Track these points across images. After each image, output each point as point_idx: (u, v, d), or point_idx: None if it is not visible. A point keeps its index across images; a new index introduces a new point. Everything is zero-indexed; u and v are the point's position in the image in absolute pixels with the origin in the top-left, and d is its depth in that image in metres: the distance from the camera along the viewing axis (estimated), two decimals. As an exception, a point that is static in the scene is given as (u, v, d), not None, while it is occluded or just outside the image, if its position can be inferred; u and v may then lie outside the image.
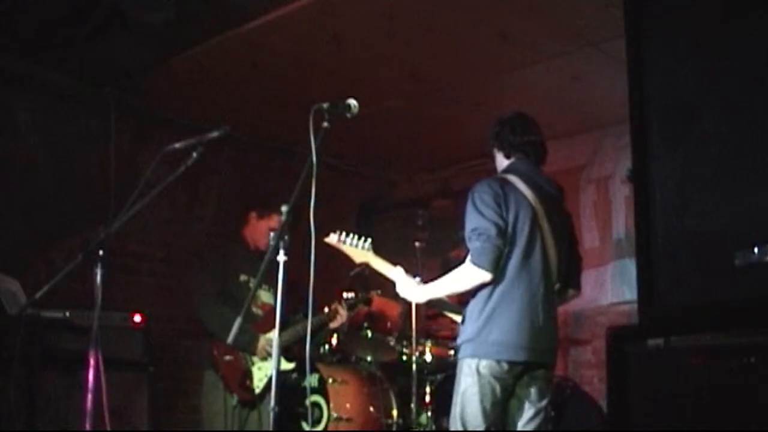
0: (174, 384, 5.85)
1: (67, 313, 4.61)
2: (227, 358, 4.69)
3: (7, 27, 4.81)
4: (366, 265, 3.80)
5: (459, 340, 3.44)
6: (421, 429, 4.97)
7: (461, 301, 3.54)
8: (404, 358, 5.21)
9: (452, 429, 3.37)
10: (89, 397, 3.16)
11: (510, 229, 3.37)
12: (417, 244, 5.18)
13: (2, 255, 5.05)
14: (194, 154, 3.29)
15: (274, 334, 4.64)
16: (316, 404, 4.85)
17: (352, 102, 3.11)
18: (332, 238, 3.79)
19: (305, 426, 4.74)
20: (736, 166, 2.45)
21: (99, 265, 3.20)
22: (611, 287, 6.12)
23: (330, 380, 4.89)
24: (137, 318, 5.02)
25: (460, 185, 6.81)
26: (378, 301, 5.31)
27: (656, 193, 2.62)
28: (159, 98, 5.80)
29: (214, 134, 3.28)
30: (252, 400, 4.70)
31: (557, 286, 3.52)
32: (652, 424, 2.55)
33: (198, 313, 4.80)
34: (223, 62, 5.27)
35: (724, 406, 2.39)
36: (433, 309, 4.42)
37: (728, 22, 2.54)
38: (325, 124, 3.04)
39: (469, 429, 3.30)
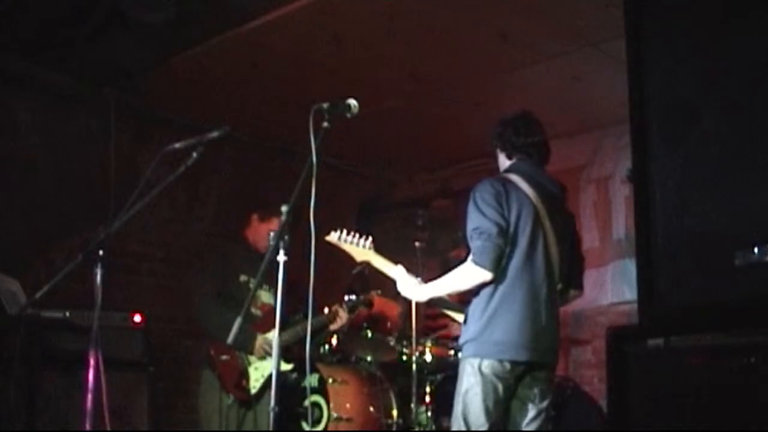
0: (174, 384, 5.85)
1: (67, 313, 4.61)
2: (224, 357, 4.69)
3: (7, 27, 4.81)
4: (367, 264, 3.79)
5: (461, 340, 3.44)
6: (421, 429, 4.97)
7: (462, 300, 3.54)
8: (404, 358, 5.20)
9: (455, 428, 3.37)
10: (89, 397, 3.16)
11: (512, 228, 3.36)
12: (417, 244, 5.18)
13: (2, 255, 5.05)
14: (194, 154, 3.29)
15: (273, 334, 4.70)
16: (316, 404, 4.85)
17: (352, 102, 3.11)
18: (333, 237, 3.78)
19: (305, 426, 4.73)
20: (736, 166, 2.45)
21: (99, 265, 3.20)
22: (611, 287, 6.12)
23: (330, 380, 4.89)
24: (137, 318, 5.02)
25: (460, 185, 6.81)
26: (378, 302, 5.30)
27: (656, 193, 2.62)
28: (159, 98, 5.80)
29: (214, 134, 3.28)
30: (248, 400, 4.70)
31: (559, 286, 3.52)
32: (652, 424, 2.55)
33: (197, 313, 4.80)
34: (223, 62, 5.27)
35: (724, 406, 2.40)
36: (434, 308, 4.42)
37: (728, 22, 2.54)
38: (325, 124, 3.04)
39: (472, 428, 3.30)
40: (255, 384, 4.70)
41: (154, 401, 4.99)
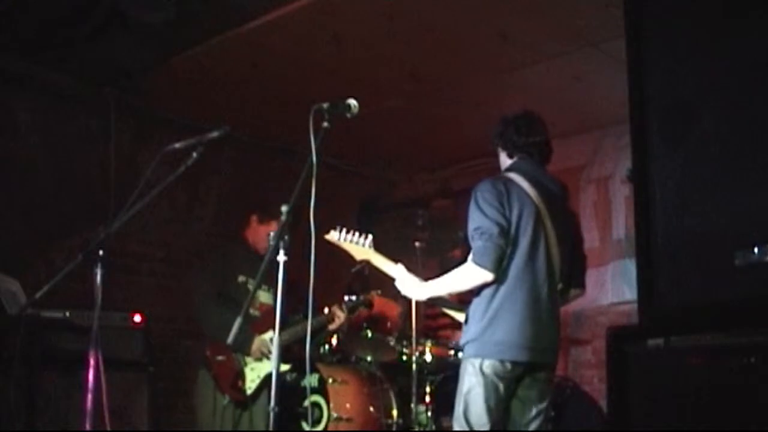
0: (174, 384, 5.85)
1: (67, 313, 4.61)
2: (219, 358, 4.70)
3: (7, 27, 4.81)
4: (367, 263, 3.77)
5: (462, 340, 3.44)
6: (421, 429, 4.97)
7: (462, 299, 3.53)
8: (404, 358, 5.21)
9: (456, 429, 3.36)
10: (89, 397, 3.16)
11: (513, 229, 3.36)
12: (417, 244, 5.18)
13: (2, 255, 5.05)
14: (194, 154, 3.29)
15: (271, 334, 4.71)
16: (316, 404, 4.85)
17: (352, 102, 3.11)
18: (333, 236, 3.76)
19: (305, 426, 4.73)
20: (736, 166, 2.45)
21: (99, 265, 3.20)
22: (611, 287, 6.12)
23: (330, 380, 4.89)
24: (137, 318, 5.02)
25: (460, 185, 6.81)
26: (378, 302, 5.30)
27: (656, 193, 2.62)
28: (159, 98, 5.80)
29: (214, 134, 3.28)
30: (243, 401, 4.70)
31: (560, 285, 3.51)
32: (652, 424, 2.55)
33: (196, 313, 4.80)
34: (223, 62, 5.27)
35: (724, 406, 2.39)
36: (434, 308, 4.42)
37: (728, 22, 2.54)
38: (325, 124, 3.04)
39: (474, 429, 3.29)
40: (251, 385, 4.70)
41: (154, 401, 4.99)
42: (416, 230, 5.23)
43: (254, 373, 4.71)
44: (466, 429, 3.31)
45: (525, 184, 3.46)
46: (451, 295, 3.59)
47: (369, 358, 5.35)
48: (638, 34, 2.76)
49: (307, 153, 2.95)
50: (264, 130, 6.37)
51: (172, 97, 5.78)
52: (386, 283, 3.91)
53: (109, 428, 3.56)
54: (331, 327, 4.94)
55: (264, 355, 4.71)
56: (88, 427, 3.14)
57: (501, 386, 3.32)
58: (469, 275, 3.34)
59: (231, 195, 6.54)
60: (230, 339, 3.02)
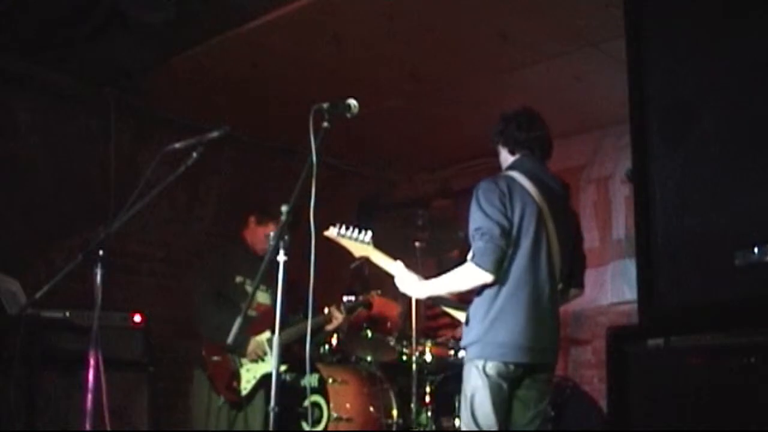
0: (174, 384, 5.85)
1: (67, 313, 4.61)
2: (215, 358, 4.70)
3: (7, 27, 4.81)
4: (365, 260, 3.73)
5: (465, 342, 3.41)
6: (421, 429, 4.97)
7: (462, 298, 3.52)
8: (404, 358, 5.20)
9: (465, 430, 3.34)
10: (89, 397, 3.16)
11: (515, 229, 3.33)
12: (417, 244, 5.17)
13: (2, 255, 5.05)
14: (194, 154, 3.29)
15: (267, 335, 4.71)
16: (316, 404, 4.85)
17: (352, 102, 3.10)
18: (331, 232, 3.72)
19: (305, 426, 4.73)
20: (736, 166, 2.45)
21: (99, 265, 3.20)
22: (611, 287, 6.12)
23: (330, 380, 4.89)
24: (137, 318, 5.02)
25: (460, 185, 6.81)
26: (378, 302, 5.29)
27: (656, 193, 2.62)
28: (159, 98, 5.81)
29: (214, 134, 3.27)
30: (239, 402, 4.70)
31: (560, 285, 3.49)
32: (652, 424, 2.55)
33: (194, 313, 4.81)
34: (223, 62, 5.27)
35: (724, 406, 2.39)
36: (434, 308, 4.41)
37: (728, 22, 2.54)
38: (325, 124, 3.03)
39: (484, 430, 3.27)
40: (246, 386, 4.70)
41: (154, 401, 4.99)
42: (416, 230, 5.23)
43: (250, 374, 4.71)
44: (476, 430, 3.29)
45: (527, 183, 3.43)
46: (451, 294, 3.56)
47: (369, 358, 5.35)
48: (638, 34, 2.76)
49: (307, 153, 2.95)
50: (264, 130, 6.37)
51: (172, 97, 5.78)
52: (386, 283, 3.90)
53: (109, 428, 3.56)
54: (329, 327, 4.93)
55: (260, 357, 4.71)
56: (88, 427, 3.14)
57: (505, 386, 3.31)
58: (468, 276, 3.32)
59: (231, 195, 6.55)
60: (230, 339, 3.01)
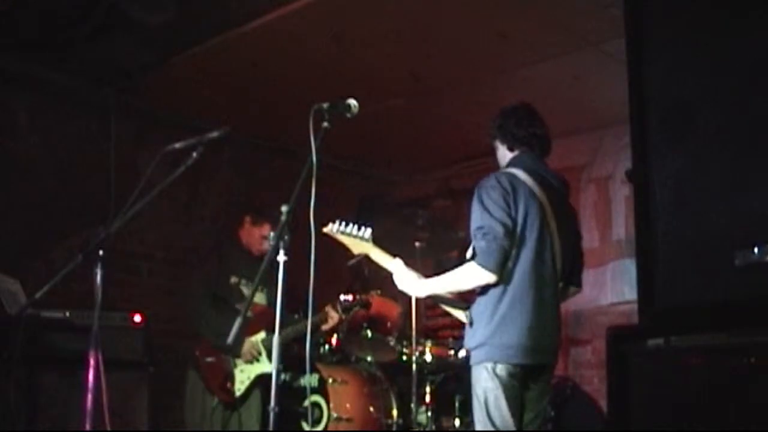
0: (174, 384, 5.84)
1: (67, 313, 4.60)
2: (209, 359, 4.70)
3: (7, 27, 4.81)
4: (364, 256, 3.64)
5: (471, 344, 3.34)
6: (421, 429, 4.97)
7: (463, 297, 3.48)
8: (404, 358, 5.20)
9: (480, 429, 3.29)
10: (89, 397, 3.16)
11: (519, 228, 3.27)
12: (417, 244, 5.18)
13: (2, 255, 5.05)
14: (194, 154, 3.28)
15: (261, 336, 4.71)
16: (316, 404, 4.85)
17: (352, 102, 3.10)
18: (330, 228, 3.62)
19: (305, 426, 4.73)
20: (736, 166, 2.45)
21: (99, 265, 3.20)
22: (611, 287, 6.12)
23: (330, 380, 4.89)
24: (137, 318, 5.01)
25: (460, 185, 6.82)
26: (377, 302, 5.28)
27: (656, 193, 2.62)
28: (159, 98, 5.81)
29: (214, 134, 3.27)
30: (232, 403, 4.70)
31: (560, 284, 3.44)
32: (652, 424, 2.55)
33: (190, 314, 4.81)
34: (223, 62, 5.26)
35: (724, 406, 2.39)
36: (434, 308, 4.40)
37: (728, 22, 2.54)
38: (325, 124, 3.03)
39: (502, 430, 3.22)
40: (240, 386, 4.70)
41: (154, 401, 4.99)
42: (416, 230, 5.23)
43: (244, 374, 4.71)
44: (493, 430, 3.24)
45: (529, 181, 3.38)
46: (452, 294, 3.50)
47: (369, 358, 5.35)
48: (638, 34, 2.76)
49: (307, 153, 2.95)
50: (264, 130, 6.37)
51: (172, 97, 5.78)
52: (386, 283, 3.89)
53: (109, 428, 3.55)
54: (325, 327, 4.89)
55: (254, 357, 4.71)
56: (88, 427, 3.13)
57: (516, 385, 3.27)
58: (471, 276, 3.26)
59: (231, 195, 6.55)
60: (230, 339, 3.01)
